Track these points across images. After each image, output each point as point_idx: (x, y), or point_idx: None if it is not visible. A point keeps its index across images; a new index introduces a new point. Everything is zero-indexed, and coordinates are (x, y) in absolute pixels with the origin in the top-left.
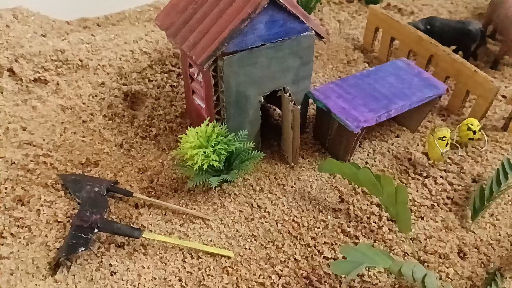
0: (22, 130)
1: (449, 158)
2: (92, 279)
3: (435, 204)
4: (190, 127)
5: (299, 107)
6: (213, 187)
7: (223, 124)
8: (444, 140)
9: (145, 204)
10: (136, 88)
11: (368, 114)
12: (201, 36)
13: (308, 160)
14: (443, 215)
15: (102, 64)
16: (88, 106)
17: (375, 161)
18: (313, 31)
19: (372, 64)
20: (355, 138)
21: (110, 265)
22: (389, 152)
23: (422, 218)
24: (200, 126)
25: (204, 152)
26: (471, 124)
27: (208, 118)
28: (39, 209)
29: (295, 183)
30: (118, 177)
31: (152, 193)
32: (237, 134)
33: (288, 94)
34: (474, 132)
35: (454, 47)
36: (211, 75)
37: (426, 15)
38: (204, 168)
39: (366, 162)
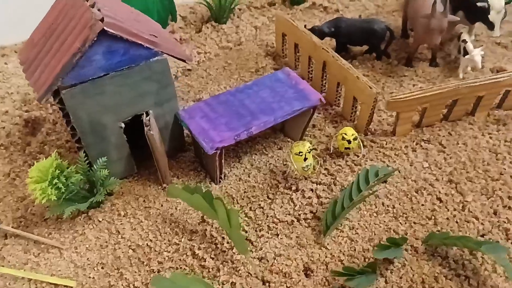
0: None
1: (325, 168)
2: None
3: (296, 219)
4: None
5: (152, 132)
6: (66, 216)
7: (84, 152)
8: (301, 155)
9: (13, 234)
10: (36, 114)
11: (226, 133)
12: (42, 71)
13: (182, 180)
14: (300, 231)
15: (11, 92)
16: None
17: (249, 176)
18: (165, 55)
19: None
20: (216, 158)
21: None
22: (266, 166)
23: (277, 235)
24: None
25: (42, 187)
26: (345, 134)
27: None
28: None
29: (162, 205)
30: None
31: (23, 223)
32: (96, 162)
33: (148, 118)
34: (349, 142)
35: (366, 47)
36: (58, 107)
37: (352, 12)
38: (52, 200)
39: (240, 178)
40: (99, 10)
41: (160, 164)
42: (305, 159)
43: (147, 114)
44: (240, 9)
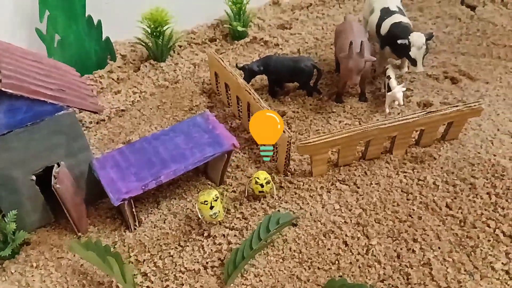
0: None
1: (241, 212)
2: None
3: (203, 268)
4: None
5: (59, 185)
6: None
7: None
8: (207, 204)
9: None
10: None
11: (134, 184)
12: None
13: (98, 228)
14: (204, 280)
15: None
16: None
17: (164, 222)
18: (72, 109)
19: (214, 109)
20: (126, 207)
21: None
22: (183, 210)
23: (182, 285)
24: None
25: None
26: (258, 178)
27: None
28: None
29: (74, 255)
30: None
31: None
32: (6, 215)
33: (57, 170)
34: (262, 186)
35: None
36: None
37: (291, 45)
38: None
39: (155, 225)
40: None
41: (72, 215)
42: (212, 207)
43: (59, 165)
44: (180, 46)
